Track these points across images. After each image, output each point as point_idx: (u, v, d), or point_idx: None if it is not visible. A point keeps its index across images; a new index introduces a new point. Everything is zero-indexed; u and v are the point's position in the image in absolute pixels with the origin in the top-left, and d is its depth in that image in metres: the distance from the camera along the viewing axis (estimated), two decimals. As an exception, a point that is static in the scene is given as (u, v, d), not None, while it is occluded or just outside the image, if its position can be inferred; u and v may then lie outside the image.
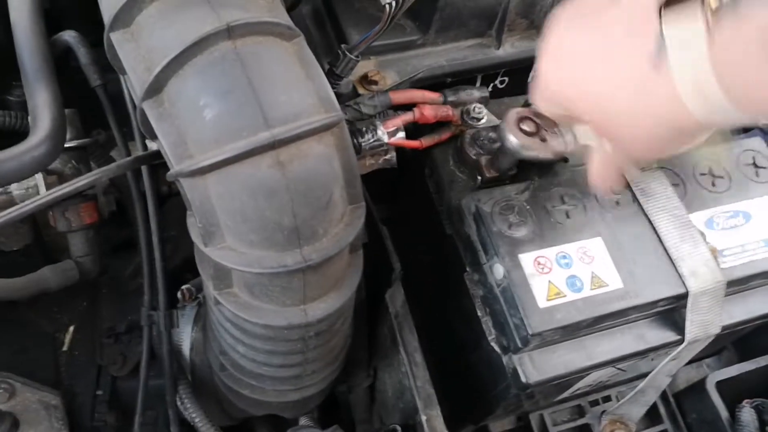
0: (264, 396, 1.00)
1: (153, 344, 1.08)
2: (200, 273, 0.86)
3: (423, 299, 1.19)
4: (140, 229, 1.00)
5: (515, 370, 0.96)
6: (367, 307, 1.17)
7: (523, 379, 0.95)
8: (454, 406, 1.16)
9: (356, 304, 1.10)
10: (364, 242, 1.09)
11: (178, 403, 1.07)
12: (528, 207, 0.99)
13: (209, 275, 0.84)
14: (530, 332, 0.91)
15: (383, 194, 1.22)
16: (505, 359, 0.98)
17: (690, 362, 1.42)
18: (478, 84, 1.17)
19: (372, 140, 0.98)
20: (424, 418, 1.01)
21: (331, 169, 0.76)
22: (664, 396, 1.40)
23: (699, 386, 1.37)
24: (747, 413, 1.30)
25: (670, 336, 1.02)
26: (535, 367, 0.95)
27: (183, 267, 1.20)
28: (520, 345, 0.93)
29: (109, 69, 0.88)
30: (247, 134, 0.70)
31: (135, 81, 0.74)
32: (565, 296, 0.94)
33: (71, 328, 1.22)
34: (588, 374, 1.05)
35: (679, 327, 1.01)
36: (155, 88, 0.73)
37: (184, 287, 1.11)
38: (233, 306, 0.83)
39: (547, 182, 1.03)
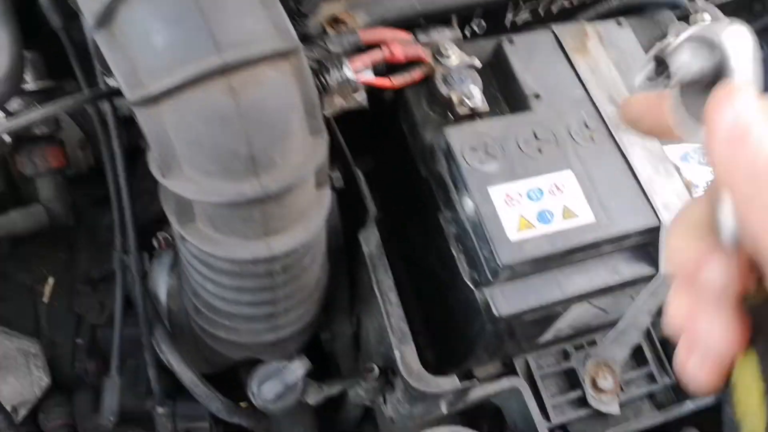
0: (239, 337, 1.00)
1: (129, 291, 1.08)
2: (165, 210, 0.86)
3: (407, 248, 1.19)
4: (108, 172, 1.00)
5: (487, 304, 0.95)
6: (348, 254, 1.16)
7: (495, 312, 0.94)
8: (439, 352, 1.16)
9: (334, 249, 1.10)
10: (341, 187, 1.09)
11: (155, 347, 1.07)
12: (499, 142, 0.98)
13: (172, 210, 0.84)
14: (500, 264, 0.90)
15: (363, 146, 1.21)
16: (477, 294, 0.98)
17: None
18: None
19: (339, 77, 0.97)
20: (398, 353, 1.00)
21: (287, 97, 0.75)
22: (650, 339, 1.39)
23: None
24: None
25: (645, 270, 1.01)
26: (506, 299, 0.95)
27: (160, 219, 1.20)
28: (490, 278, 0.93)
29: (75, 15, 0.87)
30: (197, 59, 0.69)
31: (86, 12, 0.74)
32: (535, 228, 0.93)
33: (51, 280, 1.22)
34: (564, 310, 1.05)
35: (653, 260, 1.01)
36: (105, 17, 0.72)
37: (159, 234, 1.11)
38: (197, 240, 0.83)
39: (519, 118, 1.02)
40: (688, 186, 1.01)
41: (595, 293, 1.00)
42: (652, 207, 0.98)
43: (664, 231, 0.97)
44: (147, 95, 0.70)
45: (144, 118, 0.74)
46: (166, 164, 0.76)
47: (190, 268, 0.93)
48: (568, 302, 1.00)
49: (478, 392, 1.22)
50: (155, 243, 1.11)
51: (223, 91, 0.70)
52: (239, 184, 0.75)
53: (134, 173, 1.07)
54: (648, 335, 1.38)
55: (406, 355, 1.00)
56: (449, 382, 1.01)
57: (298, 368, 0.92)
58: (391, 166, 1.25)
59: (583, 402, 1.31)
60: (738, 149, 0.38)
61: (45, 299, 1.21)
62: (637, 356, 1.38)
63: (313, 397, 1.03)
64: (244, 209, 0.78)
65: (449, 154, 0.97)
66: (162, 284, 1.10)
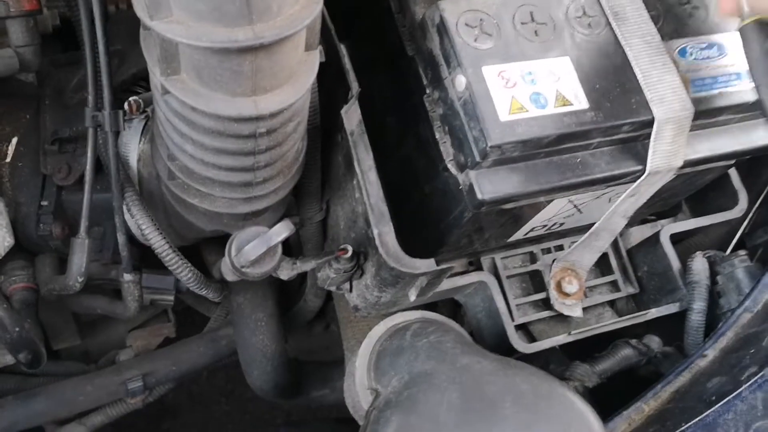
0: (213, 206, 0.97)
1: (99, 153, 1.03)
2: (147, 61, 0.81)
3: (382, 134, 1.16)
4: (83, 30, 0.94)
5: (471, 187, 0.93)
6: (322, 137, 1.13)
7: (479, 195, 0.93)
8: (406, 244, 1.14)
9: (310, 129, 1.06)
10: (322, 61, 1.04)
11: (125, 211, 1.03)
12: (495, 21, 0.95)
13: (156, 59, 0.79)
14: (489, 143, 0.88)
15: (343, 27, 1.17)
16: (461, 177, 0.96)
17: (645, 221, 1.42)
18: None
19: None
20: (376, 232, 0.98)
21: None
22: (616, 249, 1.40)
23: (653, 239, 1.38)
24: (699, 263, 1.30)
25: (632, 165, 1.00)
26: (491, 183, 0.93)
27: (131, 82, 1.15)
28: (478, 158, 0.91)
29: None
30: None
31: None
32: (527, 111, 0.91)
33: (14, 140, 1.17)
34: (547, 202, 1.04)
35: (641, 158, 1.00)
36: None
37: (131, 99, 1.06)
38: (181, 93, 0.79)
39: (517, -2, 0.99)
40: (685, 81, 0.99)
41: (579, 185, 0.99)
42: (646, 100, 0.96)
43: (657, 126, 0.96)
44: None
45: (132, -51, 0.69)
46: (154, 4, 0.71)
47: (169, 127, 0.88)
48: (551, 192, 0.98)
49: (446, 284, 1.21)
50: (126, 107, 1.06)
51: None
52: (232, 29, 0.71)
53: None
54: (616, 247, 1.39)
55: (385, 235, 0.98)
56: (427, 264, 1.00)
57: (282, 229, 0.89)
58: (368, 49, 1.21)
59: (546, 304, 1.32)
60: None
61: (8, 159, 1.16)
62: (603, 265, 1.38)
63: (286, 272, 1.00)
64: (235, 59, 0.74)
65: (443, 29, 0.94)
66: (133, 149, 1.05)
